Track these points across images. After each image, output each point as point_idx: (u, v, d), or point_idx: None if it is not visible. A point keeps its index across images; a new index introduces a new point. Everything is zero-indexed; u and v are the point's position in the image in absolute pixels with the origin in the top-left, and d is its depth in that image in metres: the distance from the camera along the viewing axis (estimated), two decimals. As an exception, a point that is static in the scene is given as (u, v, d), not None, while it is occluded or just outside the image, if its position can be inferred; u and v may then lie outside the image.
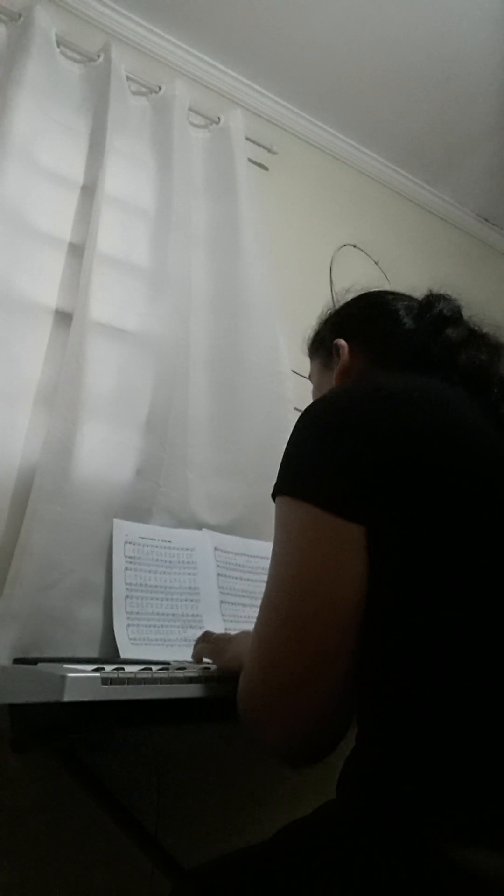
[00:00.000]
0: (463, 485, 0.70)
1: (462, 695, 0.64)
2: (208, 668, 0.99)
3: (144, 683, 0.83)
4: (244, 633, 0.95)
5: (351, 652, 0.68)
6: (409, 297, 1.02)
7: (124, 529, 1.40)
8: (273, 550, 0.75)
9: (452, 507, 0.69)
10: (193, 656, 1.06)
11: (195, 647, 1.07)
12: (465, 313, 0.96)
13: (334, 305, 1.11)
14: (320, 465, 0.73)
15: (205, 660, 1.03)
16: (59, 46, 1.68)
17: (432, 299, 0.97)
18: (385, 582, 0.68)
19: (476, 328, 0.94)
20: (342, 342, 0.99)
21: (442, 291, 0.99)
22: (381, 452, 0.70)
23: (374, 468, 0.70)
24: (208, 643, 1.04)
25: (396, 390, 0.77)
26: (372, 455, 0.70)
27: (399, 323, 0.96)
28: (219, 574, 1.47)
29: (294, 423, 0.80)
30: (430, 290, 1.00)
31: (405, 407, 0.75)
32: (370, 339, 0.99)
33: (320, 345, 1.08)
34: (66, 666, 0.84)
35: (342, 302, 1.10)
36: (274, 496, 0.76)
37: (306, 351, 1.13)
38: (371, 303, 1.04)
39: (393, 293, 1.04)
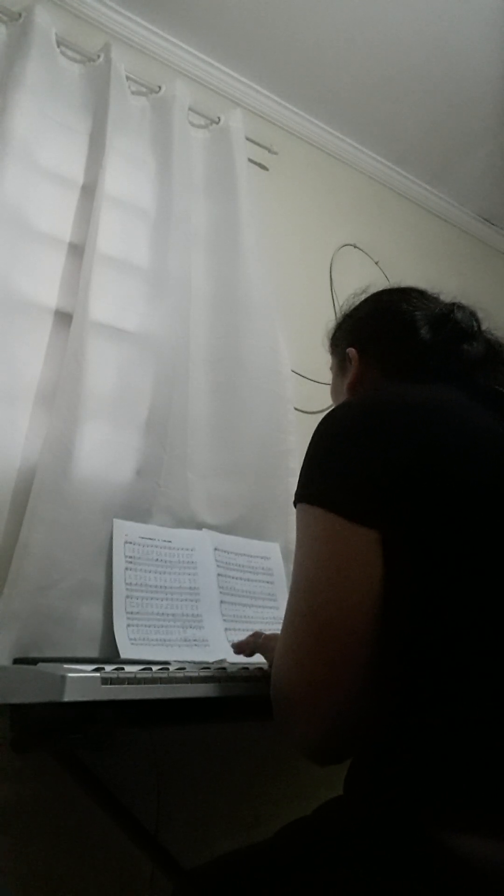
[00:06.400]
0: (477, 493, 0.71)
1: (475, 693, 0.66)
2: (208, 668, 0.99)
3: (144, 683, 0.83)
4: None
5: (370, 653, 0.69)
6: (425, 300, 0.99)
7: (124, 529, 1.40)
8: (295, 556, 0.76)
9: (467, 514, 0.70)
10: (244, 648, 1.06)
11: (246, 640, 1.07)
12: (483, 325, 0.95)
13: (351, 304, 1.09)
14: (338, 473, 0.75)
15: (256, 656, 1.04)
16: (59, 46, 1.68)
17: (447, 310, 0.95)
18: (399, 586, 0.69)
19: (493, 341, 0.93)
20: (353, 353, 0.99)
21: (458, 301, 0.97)
22: (397, 461, 0.72)
23: (390, 476, 0.71)
24: (259, 640, 1.05)
25: (415, 401, 0.79)
26: (388, 463, 0.72)
27: (415, 334, 0.94)
28: (219, 574, 1.47)
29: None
30: (445, 301, 0.98)
31: (423, 417, 0.76)
32: (384, 349, 0.97)
33: (336, 346, 1.07)
34: (66, 666, 0.84)
35: (359, 300, 1.08)
36: (295, 503, 0.78)
37: (327, 346, 1.12)
38: (386, 310, 1.01)
39: (407, 297, 1.00)
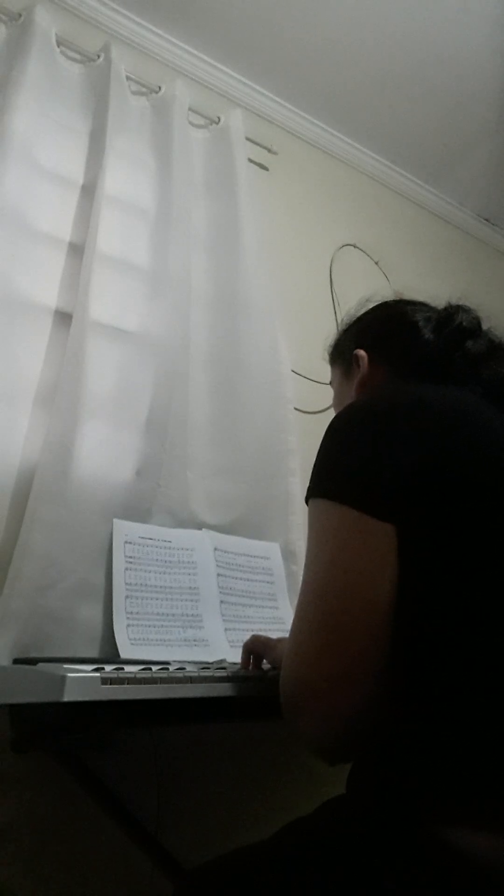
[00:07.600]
0: (491, 490, 0.71)
1: (484, 693, 0.65)
2: (208, 668, 0.99)
3: (144, 683, 0.83)
4: None
5: (383, 650, 0.69)
6: (428, 308, 1.02)
7: (124, 529, 1.40)
8: (307, 551, 0.76)
9: (480, 510, 0.70)
10: (245, 649, 1.07)
11: (245, 645, 1.08)
12: (485, 324, 0.97)
13: (354, 314, 1.11)
14: (352, 468, 0.75)
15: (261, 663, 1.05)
16: (59, 46, 1.68)
17: (451, 311, 0.97)
18: (412, 583, 0.69)
19: (496, 339, 0.95)
20: (362, 353, 1.00)
21: (460, 302, 0.99)
22: (411, 456, 0.72)
23: (404, 470, 0.71)
24: (259, 641, 1.05)
25: (427, 399, 0.79)
26: (402, 458, 0.72)
27: (419, 335, 0.96)
28: (219, 574, 1.47)
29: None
30: (449, 302, 1.00)
31: (437, 415, 0.76)
32: (390, 350, 0.99)
33: (341, 353, 1.08)
34: (66, 666, 0.84)
35: (362, 311, 1.10)
36: (307, 499, 0.77)
37: (327, 357, 1.14)
38: (391, 314, 1.05)
39: (412, 303, 1.04)
